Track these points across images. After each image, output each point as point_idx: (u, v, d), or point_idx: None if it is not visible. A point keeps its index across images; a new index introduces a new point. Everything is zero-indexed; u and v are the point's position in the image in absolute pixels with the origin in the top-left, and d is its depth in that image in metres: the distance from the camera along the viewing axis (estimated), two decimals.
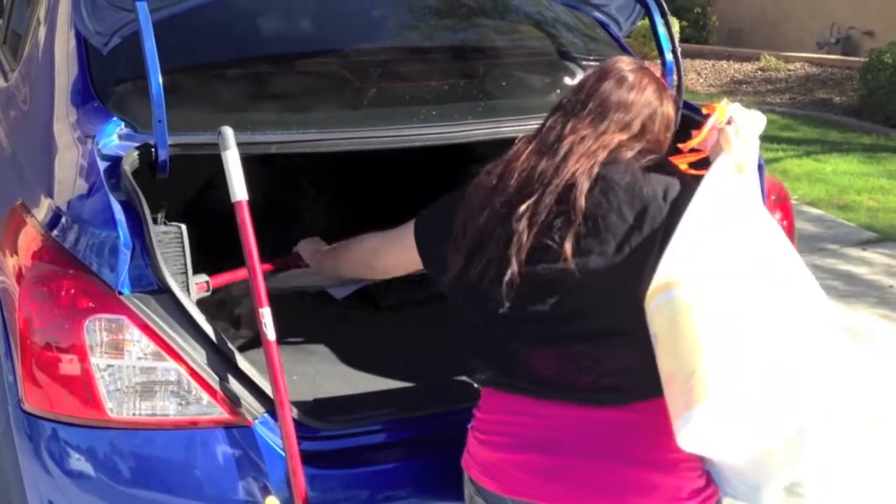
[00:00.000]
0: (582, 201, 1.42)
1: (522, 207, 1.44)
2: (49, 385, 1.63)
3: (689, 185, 1.45)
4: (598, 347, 1.43)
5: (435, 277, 1.61)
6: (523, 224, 1.44)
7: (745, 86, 9.17)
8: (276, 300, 2.27)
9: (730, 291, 1.33)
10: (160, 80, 1.68)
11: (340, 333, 2.23)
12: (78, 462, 1.65)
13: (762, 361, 1.29)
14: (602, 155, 1.46)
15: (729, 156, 1.46)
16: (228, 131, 1.66)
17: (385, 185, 2.66)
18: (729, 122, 1.50)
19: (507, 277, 1.44)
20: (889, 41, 7.79)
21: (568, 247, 1.42)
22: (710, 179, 1.43)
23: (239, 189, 1.65)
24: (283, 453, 1.64)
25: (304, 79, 2.14)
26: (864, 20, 9.64)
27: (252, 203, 1.67)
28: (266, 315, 1.64)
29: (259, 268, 1.65)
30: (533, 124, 2.04)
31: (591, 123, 1.49)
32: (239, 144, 1.66)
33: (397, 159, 2.18)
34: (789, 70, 9.43)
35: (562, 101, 1.57)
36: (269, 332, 1.63)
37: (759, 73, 9.51)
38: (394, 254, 1.73)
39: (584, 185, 1.43)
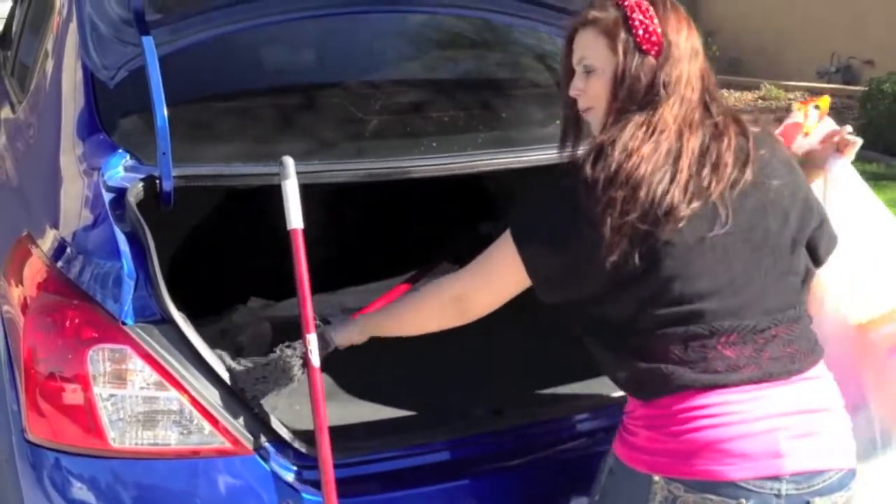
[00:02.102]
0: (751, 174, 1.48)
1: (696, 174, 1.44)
2: (52, 414, 1.65)
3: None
4: (778, 321, 1.47)
5: (574, 284, 1.48)
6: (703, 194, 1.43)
7: (745, 115, 9.11)
8: (279, 329, 2.29)
9: None
10: (165, 112, 1.70)
11: (342, 360, 2.24)
12: (80, 491, 1.65)
13: None
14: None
15: (848, 159, 1.72)
16: (289, 161, 1.69)
17: (383, 216, 2.68)
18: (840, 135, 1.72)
19: (721, 252, 1.43)
20: (889, 71, 7.84)
21: (739, 218, 1.46)
22: (862, 189, 1.73)
23: (295, 218, 1.66)
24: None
25: (306, 111, 2.17)
26: (864, 50, 9.71)
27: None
28: (312, 341, 1.65)
29: (309, 294, 1.66)
30: (532, 155, 2.09)
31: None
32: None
33: (396, 191, 2.20)
34: (790, 99, 9.48)
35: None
36: (315, 358, 1.64)
37: (760, 101, 9.56)
38: (494, 286, 1.57)
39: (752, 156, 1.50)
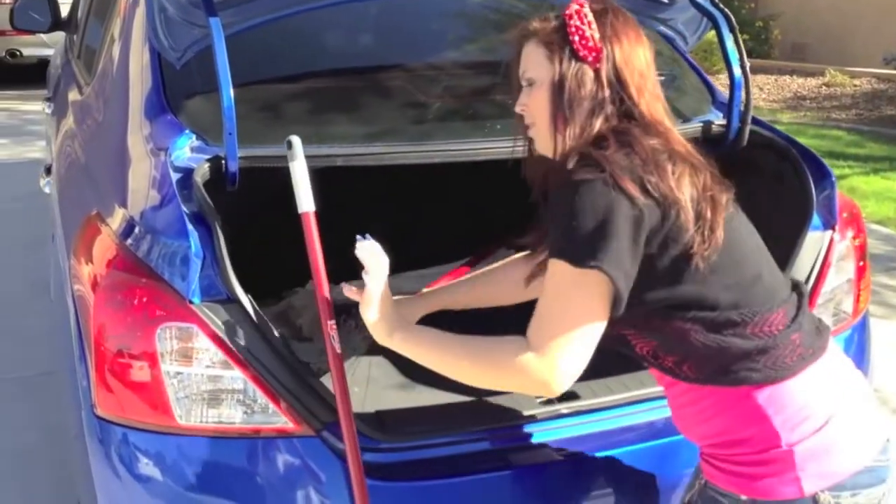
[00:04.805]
0: None
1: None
2: (120, 391, 1.68)
3: None
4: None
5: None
6: None
7: (808, 101, 9.00)
8: (338, 311, 2.30)
9: None
10: (231, 93, 1.71)
11: None
12: (146, 466, 1.68)
13: None
14: None
15: None
16: (297, 140, 1.65)
17: (442, 200, 2.67)
18: None
19: None
20: None
21: None
22: None
23: (306, 200, 1.63)
24: (345, 463, 1.65)
25: (370, 93, 2.17)
26: None
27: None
28: (333, 328, 1.64)
29: (326, 281, 1.64)
30: None
31: None
32: (305, 157, 1.68)
33: (456, 175, 2.18)
34: (855, 86, 9.22)
35: None
36: (336, 344, 1.64)
37: (824, 88, 9.32)
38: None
39: None
